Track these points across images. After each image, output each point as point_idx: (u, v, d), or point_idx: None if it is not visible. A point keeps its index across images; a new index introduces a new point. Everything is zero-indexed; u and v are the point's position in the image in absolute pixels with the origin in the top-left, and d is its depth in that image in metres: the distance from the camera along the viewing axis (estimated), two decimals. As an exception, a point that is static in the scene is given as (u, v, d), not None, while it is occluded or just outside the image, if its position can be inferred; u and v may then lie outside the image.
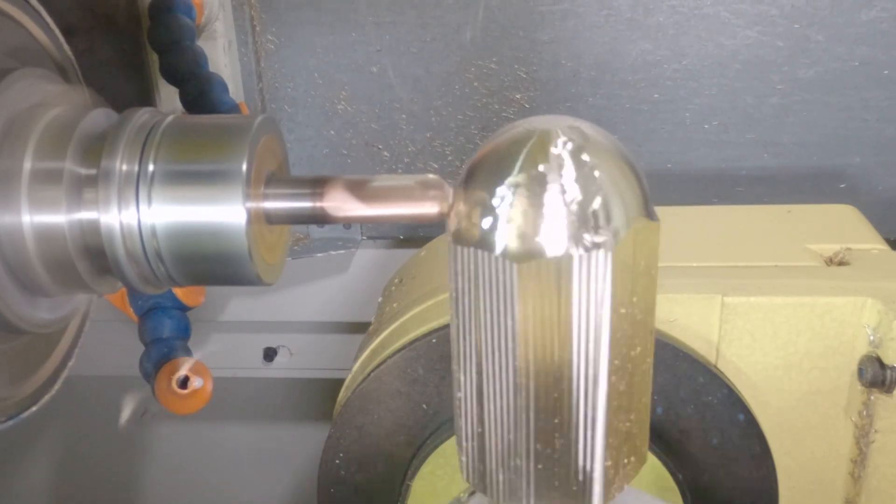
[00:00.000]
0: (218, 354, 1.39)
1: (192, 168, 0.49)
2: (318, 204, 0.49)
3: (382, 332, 0.80)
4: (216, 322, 1.36)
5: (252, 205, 0.49)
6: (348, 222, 0.50)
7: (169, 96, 1.12)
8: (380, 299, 0.92)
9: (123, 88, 1.12)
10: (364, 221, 0.50)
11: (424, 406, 0.76)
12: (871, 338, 0.73)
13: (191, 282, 0.52)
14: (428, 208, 0.47)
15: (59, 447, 1.57)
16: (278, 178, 0.52)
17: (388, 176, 0.49)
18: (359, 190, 0.49)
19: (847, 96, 1.12)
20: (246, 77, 1.17)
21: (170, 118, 0.51)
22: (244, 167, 0.48)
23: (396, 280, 0.90)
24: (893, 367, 0.72)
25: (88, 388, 1.30)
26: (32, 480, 1.56)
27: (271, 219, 0.51)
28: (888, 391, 0.72)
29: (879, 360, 0.72)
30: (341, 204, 0.49)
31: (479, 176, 0.45)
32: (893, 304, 0.72)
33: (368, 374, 0.76)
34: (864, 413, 0.75)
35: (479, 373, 0.48)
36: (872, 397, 0.74)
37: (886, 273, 0.77)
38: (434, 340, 0.74)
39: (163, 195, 0.49)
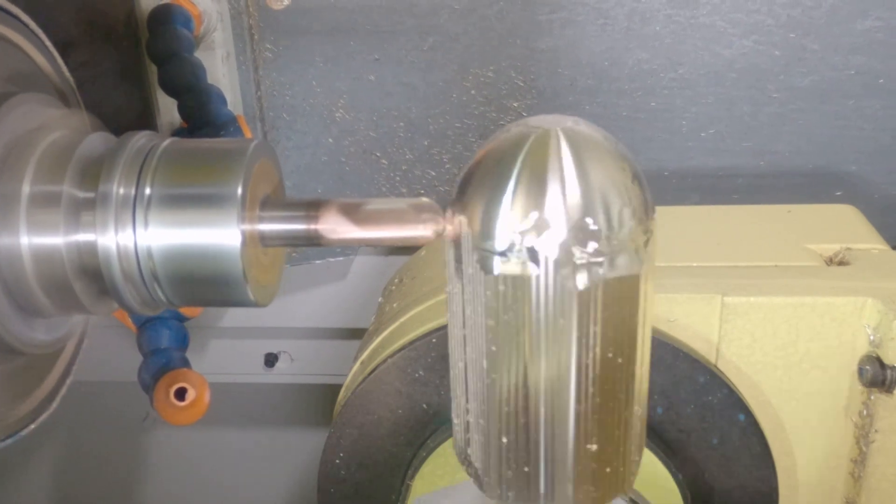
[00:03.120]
0: (219, 360, 1.38)
1: (188, 191, 0.50)
2: (312, 227, 0.50)
3: (382, 332, 0.80)
4: (217, 328, 1.36)
5: (247, 227, 0.50)
6: (343, 245, 0.51)
7: (168, 108, 1.12)
8: (380, 299, 0.92)
9: (123, 100, 1.12)
10: (358, 244, 0.51)
11: (424, 406, 0.76)
12: (871, 338, 0.73)
13: (186, 303, 0.53)
14: (421, 231, 0.48)
15: (60, 453, 1.56)
16: (273, 200, 0.53)
17: (381, 199, 0.50)
18: (353, 213, 0.49)
19: (843, 105, 1.13)
20: (244, 85, 1.18)
21: (166, 142, 0.52)
22: (239, 191, 0.49)
23: (397, 280, 0.90)
24: (893, 366, 0.72)
25: (89, 394, 1.29)
26: (33, 486, 1.56)
27: (266, 241, 0.52)
28: (888, 391, 0.72)
29: (879, 360, 0.72)
30: (335, 227, 0.50)
31: (477, 178, 0.45)
32: (893, 304, 0.72)
33: (368, 374, 0.76)
34: (864, 413, 0.75)
35: (464, 352, 0.48)
36: (872, 397, 0.74)
37: (886, 273, 0.78)
38: (434, 340, 0.74)
39: (159, 218, 0.50)
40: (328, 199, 0.50)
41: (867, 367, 0.73)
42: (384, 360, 0.75)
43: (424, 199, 0.49)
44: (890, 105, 1.12)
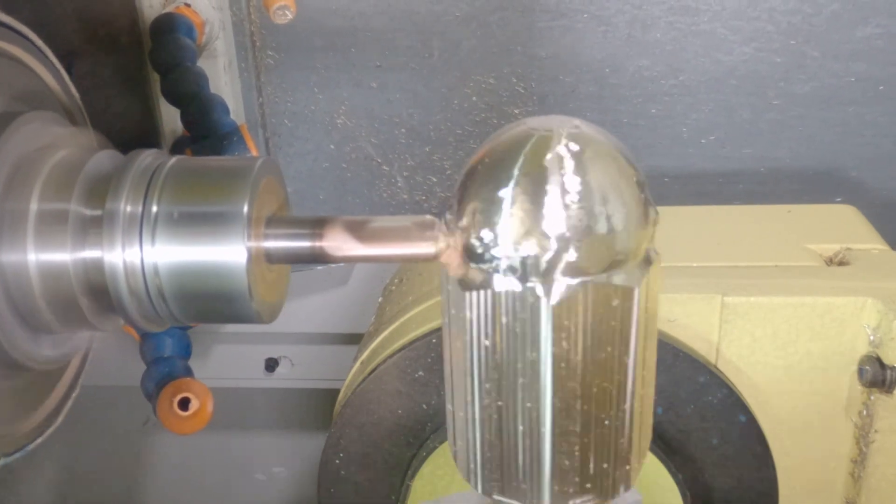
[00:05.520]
0: (220, 365, 1.38)
1: (194, 209, 0.51)
2: (317, 244, 0.50)
3: (382, 332, 0.80)
4: (218, 333, 1.36)
5: (252, 245, 0.50)
6: (347, 262, 0.51)
7: (170, 117, 1.12)
8: (380, 299, 0.92)
9: (125, 110, 1.12)
10: (362, 261, 0.51)
11: (424, 406, 0.76)
12: (871, 338, 0.73)
13: (192, 319, 0.53)
14: (424, 249, 0.48)
15: (60, 457, 1.56)
16: (278, 218, 0.53)
17: (385, 217, 0.50)
18: (357, 230, 0.49)
19: (843, 112, 1.13)
20: (246, 92, 1.18)
21: (173, 160, 0.53)
22: (245, 209, 0.50)
23: (397, 280, 0.91)
24: (893, 367, 0.72)
25: (89, 399, 1.29)
26: (33, 490, 1.55)
27: (271, 258, 0.52)
28: (888, 391, 0.72)
29: (879, 360, 0.72)
30: (340, 244, 0.50)
31: (474, 181, 0.45)
32: (893, 304, 0.72)
33: (368, 374, 0.76)
34: (864, 413, 0.75)
35: (450, 353, 0.48)
36: (872, 397, 0.74)
37: (886, 273, 0.78)
38: (434, 340, 0.75)
39: (166, 235, 0.50)
40: (333, 216, 0.50)
41: (867, 368, 0.73)
42: (384, 361, 0.75)
43: (428, 217, 0.49)
44: (890, 111, 1.12)
